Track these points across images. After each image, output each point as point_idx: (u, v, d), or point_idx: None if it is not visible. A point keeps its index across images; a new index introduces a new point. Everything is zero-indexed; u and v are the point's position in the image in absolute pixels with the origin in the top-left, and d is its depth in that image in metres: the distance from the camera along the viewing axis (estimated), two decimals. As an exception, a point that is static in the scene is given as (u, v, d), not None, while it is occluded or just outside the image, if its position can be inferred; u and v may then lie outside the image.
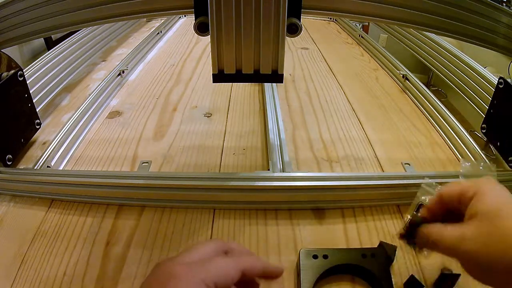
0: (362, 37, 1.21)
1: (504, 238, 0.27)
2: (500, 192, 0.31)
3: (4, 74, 0.55)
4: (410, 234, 0.35)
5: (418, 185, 0.49)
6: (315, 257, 0.40)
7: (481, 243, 0.28)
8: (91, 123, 0.70)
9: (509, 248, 0.27)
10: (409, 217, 0.46)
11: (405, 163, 0.60)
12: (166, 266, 0.28)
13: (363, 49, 1.16)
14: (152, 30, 1.22)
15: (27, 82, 0.60)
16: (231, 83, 0.87)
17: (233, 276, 0.29)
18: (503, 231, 0.27)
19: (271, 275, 0.32)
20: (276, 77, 0.45)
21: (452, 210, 0.33)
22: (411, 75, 0.87)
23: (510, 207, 0.29)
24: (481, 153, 0.59)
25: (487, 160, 0.57)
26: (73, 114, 0.67)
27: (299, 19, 0.41)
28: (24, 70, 0.60)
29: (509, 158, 0.56)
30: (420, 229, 0.34)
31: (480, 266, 0.28)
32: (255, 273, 0.30)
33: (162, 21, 1.34)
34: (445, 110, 0.71)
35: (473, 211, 0.30)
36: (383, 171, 0.59)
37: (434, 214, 0.35)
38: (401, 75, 0.89)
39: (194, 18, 0.41)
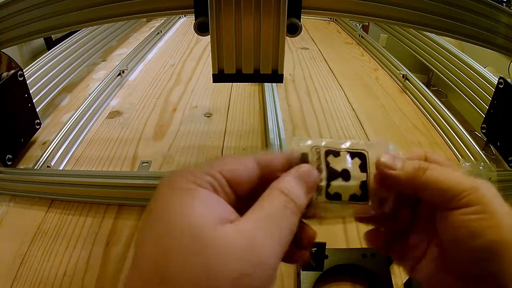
0: (362, 37, 1.21)
1: None
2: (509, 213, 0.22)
3: (4, 74, 0.55)
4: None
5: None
6: (315, 257, 0.40)
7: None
8: (91, 123, 0.70)
9: None
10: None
11: (405, 163, 0.60)
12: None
13: (363, 49, 1.16)
14: (152, 30, 1.22)
15: (27, 82, 0.60)
16: (231, 83, 0.87)
17: (245, 164, 0.22)
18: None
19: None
20: (276, 77, 0.45)
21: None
22: (411, 75, 0.87)
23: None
24: (481, 153, 0.59)
25: (487, 160, 0.57)
26: (73, 114, 0.67)
27: (299, 19, 0.41)
28: (24, 70, 0.60)
29: (509, 158, 0.56)
30: None
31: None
32: (277, 163, 0.23)
33: (162, 21, 1.33)
34: (445, 110, 0.71)
35: (478, 232, 0.21)
36: (383, 171, 0.58)
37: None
38: (401, 75, 0.89)
39: (194, 18, 0.41)
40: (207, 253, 0.17)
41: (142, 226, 0.20)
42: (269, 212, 0.20)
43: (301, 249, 0.24)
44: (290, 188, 0.21)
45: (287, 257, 0.21)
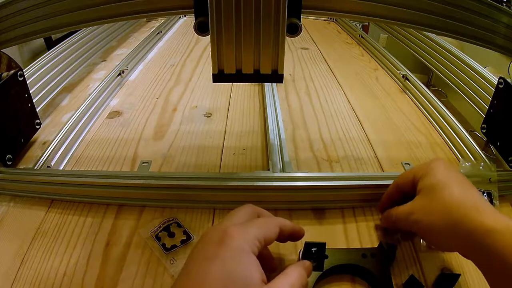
0: (362, 37, 1.21)
1: (440, 206, 0.33)
2: (443, 169, 0.36)
3: (4, 74, 0.55)
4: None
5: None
6: (315, 257, 0.40)
7: (423, 213, 0.35)
8: (91, 123, 0.70)
9: (445, 214, 0.32)
10: None
11: (405, 163, 0.60)
12: (217, 229, 0.31)
13: (363, 49, 1.16)
14: (152, 30, 1.22)
15: (27, 82, 0.60)
16: (231, 83, 0.87)
17: (275, 231, 0.33)
18: (439, 200, 0.33)
19: (298, 233, 0.37)
20: (276, 77, 0.45)
21: (409, 194, 0.39)
22: (411, 75, 0.87)
23: (447, 180, 0.35)
24: (481, 153, 0.59)
25: (487, 160, 0.57)
26: (73, 114, 0.67)
27: (299, 19, 0.41)
28: (24, 70, 0.60)
29: (509, 158, 0.56)
30: (385, 212, 0.42)
31: (426, 231, 0.35)
32: (288, 229, 0.35)
33: (162, 21, 1.34)
34: (445, 110, 0.71)
35: (420, 188, 0.36)
36: (383, 171, 0.59)
37: (394, 200, 0.42)
38: (401, 75, 0.89)
39: (194, 18, 0.41)
40: None
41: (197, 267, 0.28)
42: (291, 282, 0.30)
43: None
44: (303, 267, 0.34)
45: None
